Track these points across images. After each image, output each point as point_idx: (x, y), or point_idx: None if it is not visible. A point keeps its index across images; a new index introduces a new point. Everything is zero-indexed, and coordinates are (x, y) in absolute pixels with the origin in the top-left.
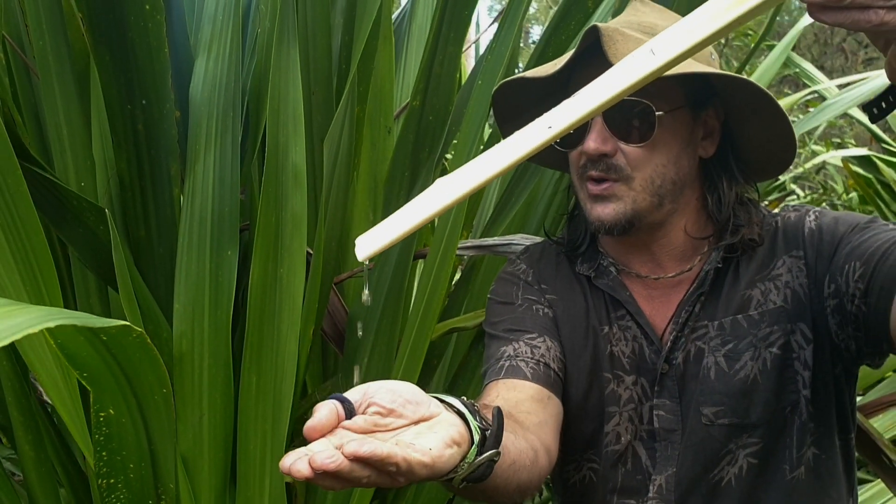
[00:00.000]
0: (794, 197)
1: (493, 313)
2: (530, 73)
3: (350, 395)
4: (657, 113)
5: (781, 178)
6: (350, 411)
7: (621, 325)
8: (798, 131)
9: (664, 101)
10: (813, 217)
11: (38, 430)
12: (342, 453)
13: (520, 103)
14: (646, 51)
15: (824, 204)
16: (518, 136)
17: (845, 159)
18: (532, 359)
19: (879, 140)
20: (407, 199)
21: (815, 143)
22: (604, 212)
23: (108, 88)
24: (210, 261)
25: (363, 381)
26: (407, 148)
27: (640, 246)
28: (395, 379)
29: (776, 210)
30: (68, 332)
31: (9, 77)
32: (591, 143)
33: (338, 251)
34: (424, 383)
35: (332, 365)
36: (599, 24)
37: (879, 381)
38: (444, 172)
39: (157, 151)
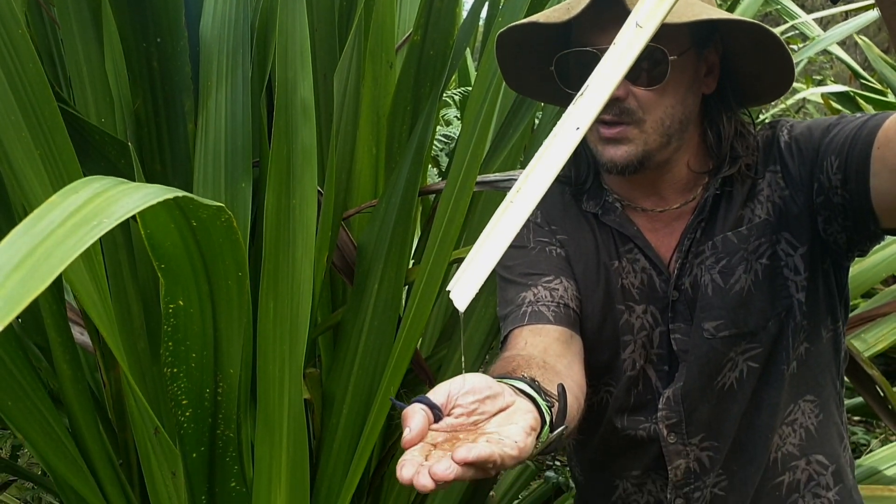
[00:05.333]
0: None
1: (506, 257)
2: (542, 18)
3: (434, 397)
4: (671, 58)
5: (763, 115)
6: (437, 416)
7: (630, 258)
8: None
9: (674, 44)
10: (786, 131)
11: (75, 348)
12: (453, 460)
13: (522, 42)
14: (632, 26)
15: None
16: (551, 143)
17: (825, 96)
18: (552, 302)
19: (859, 77)
20: (409, 134)
21: (796, 81)
22: (616, 154)
23: (124, 27)
24: (225, 193)
25: (372, 315)
26: (409, 82)
27: (646, 182)
28: (411, 307)
29: None
30: (160, 219)
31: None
32: None
33: (347, 185)
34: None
35: (341, 294)
36: None
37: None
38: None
39: (171, 88)
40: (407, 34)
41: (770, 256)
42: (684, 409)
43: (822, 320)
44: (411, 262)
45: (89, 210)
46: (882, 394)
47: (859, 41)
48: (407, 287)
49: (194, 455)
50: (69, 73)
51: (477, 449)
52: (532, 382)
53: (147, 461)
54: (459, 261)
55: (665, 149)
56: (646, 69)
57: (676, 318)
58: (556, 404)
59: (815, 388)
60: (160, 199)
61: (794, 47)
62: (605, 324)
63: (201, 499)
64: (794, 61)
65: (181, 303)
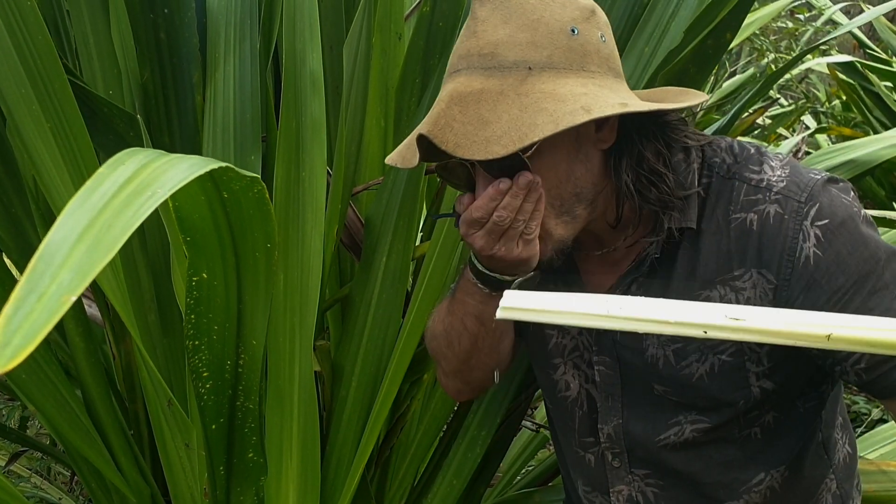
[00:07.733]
0: (778, 107)
1: None
2: (400, 164)
3: None
4: (524, 156)
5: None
6: None
7: (566, 280)
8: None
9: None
10: (813, 242)
11: (87, 321)
12: None
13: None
14: (721, 315)
15: (807, 112)
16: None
17: (831, 66)
18: None
19: (864, 47)
20: (418, 106)
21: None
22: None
23: None
24: (234, 166)
25: (380, 289)
26: (417, 54)
27: (585, 233)
28: (422, 282)
29: (762, 116)
30: (191, 192)
31: None
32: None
33: (357, 160)
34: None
35: (349, 270)
36: (423, 132)
37: None
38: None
39: (179, 59)
40: (415, 4)
41: (733, 353)
42: (626, 445)
43: (797, 396)
44: (419, 236)
45: (140, 181)
46: None
47: (866, 10)
48: (415, 262)
49: (214, 427)
50: (75, 44)
51: None
52: None
53: (160, 433)
54: None
55: (576, 221)
56: (516, 167)
57: (602, 351)
58: None
59: (787, 455)
60: (206, 169)
61: (801, 16)
62: (542, 345)
63: (220, 469)
64: (801, 30)
65: (205, 275)
